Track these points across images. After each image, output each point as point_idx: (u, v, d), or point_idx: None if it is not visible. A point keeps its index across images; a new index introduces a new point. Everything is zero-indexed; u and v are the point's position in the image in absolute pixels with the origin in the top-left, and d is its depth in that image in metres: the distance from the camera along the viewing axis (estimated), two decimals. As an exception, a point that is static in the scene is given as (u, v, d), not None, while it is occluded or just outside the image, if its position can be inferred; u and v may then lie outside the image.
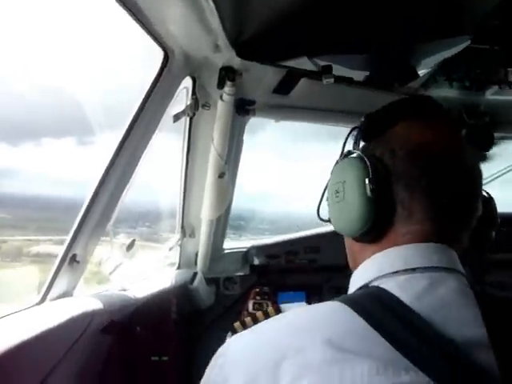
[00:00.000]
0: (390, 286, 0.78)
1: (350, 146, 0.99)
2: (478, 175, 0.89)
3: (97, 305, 1.64)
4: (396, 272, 0.79)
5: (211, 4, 1.21)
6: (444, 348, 0.69)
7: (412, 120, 0.90)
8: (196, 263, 2.47)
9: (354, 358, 0.67)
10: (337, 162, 0.97)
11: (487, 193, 1.01)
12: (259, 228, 3.88)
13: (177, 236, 2.36)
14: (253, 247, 2.70)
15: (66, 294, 1.64)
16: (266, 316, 0.95)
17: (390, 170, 0.84)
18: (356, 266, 0.90)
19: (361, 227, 0.85)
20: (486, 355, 0.69)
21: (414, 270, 0.79)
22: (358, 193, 0.85)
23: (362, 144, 0.97)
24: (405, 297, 0.74)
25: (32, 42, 1.55)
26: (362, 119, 0.97)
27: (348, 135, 1.02)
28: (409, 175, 0.83)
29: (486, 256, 1.03)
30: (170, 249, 2.36)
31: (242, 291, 2.71)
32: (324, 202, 1.03)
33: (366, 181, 0.83)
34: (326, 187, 1.00)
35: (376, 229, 0.85)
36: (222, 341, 2.49)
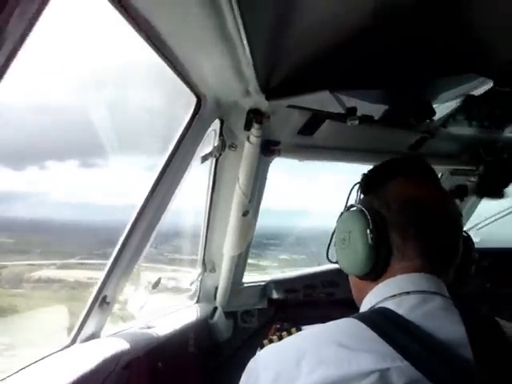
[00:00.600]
0: (390, 304, 0.95)
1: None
2: (459, 222, 1.06)
3: (123, 345, 1.66)
4: (394, 295, 0.96)
5: (248, 54, 1.25)
6: (433, 346, 0.85)
7: (404, 177, 1.07)
8: (215, 297, 2.48)
9: (359, 353, 0.84)
10: (341, 214, 1.13)
11: (466, 233, 1.13)
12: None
13: (198, 271, 2.37)
14: (271, 281, 2.71)
15: (95, 335, 1.65)
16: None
17: (386, 221, 1.01)
18: (360, 300, 1.07)
19: (364, 268, 1.02)
20: (466, 351, 0.85)
21: (407, 293, 0.95)
22: (361, 241, 1.01)
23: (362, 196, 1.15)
24: (401, 310, 0.91)
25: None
26: (362, 175, 1.16)
27: (351, 190, 1.20)
28: (401, 225, 1.00)
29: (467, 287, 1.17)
30: (191, 283, 2.37)
31: (260, 324, 2.71)
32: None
33: (368, 231, 1.00)
34: (333, 233, 1.17)
35: (376, 268, 1.01)
36: (240, 373, 2.50)
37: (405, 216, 1.00)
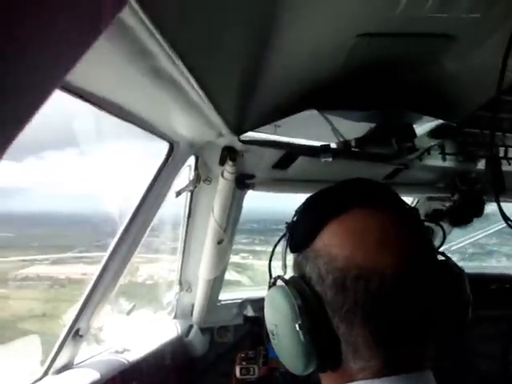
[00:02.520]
0: None
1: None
2: (433, 281, 0.75)
3: (96, 373, 1.70)
4: None
5: (212, 108, 1.28)
6: None
7: (339, 222, 0.76)
8: (192, 314, 2.53)
9: None
10: (268, 289, 0.85)
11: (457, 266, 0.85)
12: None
13: (175, 290, 2.42)
14: (246, 300, 2.75)
15: (68, 366, 1.69)
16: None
17: (323, 300, 0.74)
18: None
19: (304, 370, 0.77)
20: None
21: None
22: (291, 339, 0.75)
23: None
24: None
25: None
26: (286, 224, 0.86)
27: (274, 247, 0.92)
28: (341, 306, 0.72)
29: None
30: (167, 304, 2.42)
31: (236, 339, 2.77)
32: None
33: (297, 326, 0.73)
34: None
35: (323, 368, 0.77)
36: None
37: (344, 294, 0.72)
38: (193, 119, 1.40)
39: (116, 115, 1.24)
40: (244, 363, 2.28)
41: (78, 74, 0.98)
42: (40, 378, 1.61)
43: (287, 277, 0.82)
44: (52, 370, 1.63)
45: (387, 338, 0.72)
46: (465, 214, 2.48)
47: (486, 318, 2.93)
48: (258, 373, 2.30)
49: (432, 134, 1.89)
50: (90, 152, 1.73)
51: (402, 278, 0.71)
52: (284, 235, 0.86)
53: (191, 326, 2.48)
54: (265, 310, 0.84)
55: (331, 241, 0.75)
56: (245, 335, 2.77)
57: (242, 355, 2.30)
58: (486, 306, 2.93)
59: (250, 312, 2.74)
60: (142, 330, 2.32)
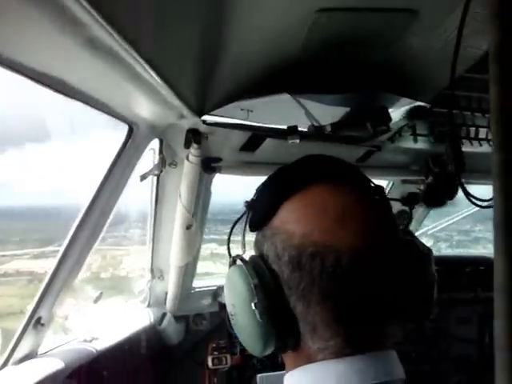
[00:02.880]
0: None
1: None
2: (393, 260, 0.73)
3: (60, 362, 1.66)
4: None
5: (169, 89, 1.24)
6: None
7: (298, 199, 0.74)
8: (165, 302, 2.50)
9: None
10: (229, 266, 0.83)
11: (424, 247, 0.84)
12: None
13: (146, 278, 2.38)
14: (221, 287, 2.72)
15: (30, 355, 1.65)
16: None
17: (280, 279, 0.72)
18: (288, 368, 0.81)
19: (263, 351, 0.75)
20: None
21: None
22: (247, 319, 0.73)
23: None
24: None
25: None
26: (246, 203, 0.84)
27: (233, 226, 0.89)
28: (297, 284, 0.70)
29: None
30: (139, 292, 2.39)
31: (212, 327, 2.74)
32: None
33: (252, 306, 0.71)
34: None
35: (283, 348, 0.75)
36: (193, 373, 2.53)
37: (299, 270, 0.70)
38: (151, 101, 1.36)
39: (71, 96, 1.20)
40: (216, 353, 2.26)
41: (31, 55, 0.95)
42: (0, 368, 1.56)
43: (247, 257, 0.80)
44: (12, 360, 1.59)
45: (346, 317, 0.70)
46: (439, 196, 2.46)
47: (461, 300, 2.94)
48: (230, 362, 2.27)
49: (403, 114, 1.86)
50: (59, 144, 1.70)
51: (359, 256, 0.69)
52: (243, 214, 0.84)
53: (164, 314, 2.45)
54: (224, 291, 0.82)
55: (289, 218, 0.73)
56: (221, 322, 2.74)
57: (214, 345, 2.27)
58: (461, 289, 2.94)
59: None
60: (113, 320, 2.28)
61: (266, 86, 1.44)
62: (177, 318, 2.56)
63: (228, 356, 2.25)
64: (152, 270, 2.36)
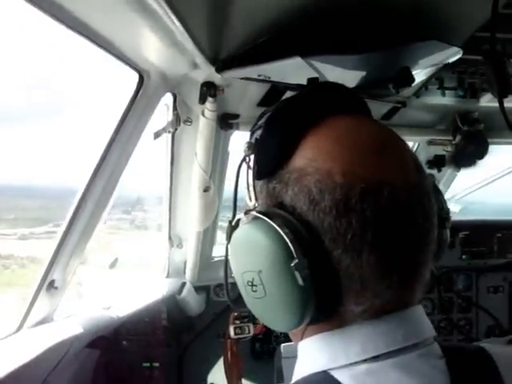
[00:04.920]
0: (347, 378, 0.61)
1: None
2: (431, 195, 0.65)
3: (78, 327, 1.62)
4: (354, 363, 0.61)
5: (181, 28, 1.15)
6: None
7: (319, 133, 0.64)
8: (185, 272, 2.43)
9: None
10: (230, 228, 0.71)
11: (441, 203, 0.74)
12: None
13: (164, 247, 2.32)
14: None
15: (45, 319, 1.60)
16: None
17: (317, 228, 0.59)
18: (298, 338, 0.71)
19: (298, 323, 0.62)
20: None
21: (376, 358, 0.61)
22: (284, 286, 0.60)
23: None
24: None
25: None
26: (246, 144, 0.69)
27: (238, 173, 0.72)
28: (343, 232, 0.58)
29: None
30: (158, 260, 2.32)
31: (234, 297, 2.67)
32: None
33: (293, 265, 0.58)
34: (227, 261, 0.74)
35: (318, 317, 0.62)
36: (213, 346, 2.48)
37: (349, 216, 0.58)
38: (162, 44, 1.27)
39: (78, 31, 1.11)
40: (238, 322, 2.18)
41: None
42: (14, 332, 1.51)
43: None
44: (27, 323, 1.53)
45: (399, 263, 0.61)
46: (468, 155, 2.35)
47: (491, 267, 2.83)
48: (252, 331, 2.19)
49: (430, 63, 1.75)
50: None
51: (412, 189, 0.61)
52: (245, 158, 0.70)
53: (184, 284, 2.38)
54: (234, 258, 0.69)
55: (317, 155, 0.62)
56: None
57: (235, 314, 2.20)
58: (492, 255, 2.84)
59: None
60: (130, 289, 2.23)
61: (281, 37, 1.35)
62: (197, 289, 2.49)
63: (250, 325, 2.17)
64: (170, 238, 2.29)
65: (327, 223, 0.58)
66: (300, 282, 0.58)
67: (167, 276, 2.44)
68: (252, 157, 0.69)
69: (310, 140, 0.63)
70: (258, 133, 0.68)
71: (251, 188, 0.68)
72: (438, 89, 2.00)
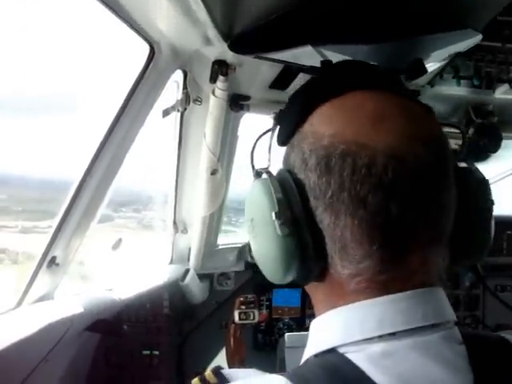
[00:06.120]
0: (361, 359, 0.58)
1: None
2: (440, 172, 0.63)
3: (78, 307, 1.58)
4: (368, 339, 0.59)
5: None
6: None
7: (331, 104, 0.65)
8: (189, 259, 2.40)
9: None
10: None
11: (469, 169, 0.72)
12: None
13: (169, 232, 2.28)
14: (248, 244, 2.61)
15: (46, 297, 1.57)
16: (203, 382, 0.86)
17: (305, 187, 0.63)
18: (317, 310, 0.71)
19: (284, 274, 0.66)
20: None
21: (393, 334, 0.59)
22: (266, 234, 0.65)
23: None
24: (382, 379, 0.56)
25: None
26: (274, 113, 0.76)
27: (257, 140, 0.82)
28: (324, 191, 0.60)
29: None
30: (162, 245, 2.29)
31: (237, 287, 2.66)
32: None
33: (273, 216, 0.62)
34: None
35: (307, 272, 0.65)
36: (214, 335, 2.45)
37: (327, 174, 0.60)
38: (176, 12, 1.22)
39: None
40: (243, 307, 2.14)
41: None
42: (13, 308, 1.48)
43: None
44: (27, 299, 1.50)
45: (380, 233, 0.59)
46: (481, 149, 2.30)
47: (500, 266, 2.79)
48: (257, 318, 2.16)
49: (446, 52, 1.71)
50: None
51: (397, 157, 0.59)
52: (271, 128, 0.76)
53: (187, 270, 2.35)
54: (245, 207, 0.73)
55: (319, 120, 0.65)
56: (246, 282, 2.65)
57: (241, 299, 2.16)
58: (500, 254, 2.79)
59: (251, 257, 2.60)
60: (134, 273, 2.20)
61: (300, 12, 1.31)
62: (201, 277, 2.46)
63: (256, 311, 2.14)
64: (175, 223, 2.26)
65: (312, 181, 0.62)
66: (278, 231, 0.62)
67: (171, 262, 2.41)
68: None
69: (319, 111, 0.65)
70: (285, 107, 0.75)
71: (268, 151, 0.76)
72: (454, 77, 1.96)
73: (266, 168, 0.73)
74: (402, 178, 0.59)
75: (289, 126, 0.69)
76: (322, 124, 0.64)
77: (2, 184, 2.04)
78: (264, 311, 2.61)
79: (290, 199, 0.63)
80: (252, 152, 0.81)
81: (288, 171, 0.66)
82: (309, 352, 0.66)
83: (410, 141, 0.60)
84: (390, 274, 0.61)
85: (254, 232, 0.69)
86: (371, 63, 0.76)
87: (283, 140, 0.71)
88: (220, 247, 2.55)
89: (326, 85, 0.69)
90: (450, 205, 0.64)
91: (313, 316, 0.70)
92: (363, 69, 0.73)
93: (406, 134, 0.61)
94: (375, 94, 0.64)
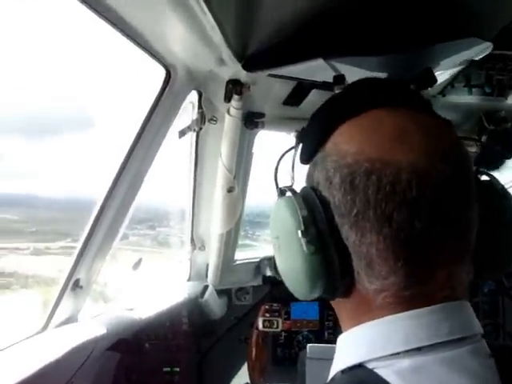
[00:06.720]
0: (391, 374, 0.58)
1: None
2: (464, 186, 0.63)
3: (102, 328, 1.60)
4: (395, 354, 0.59)
5: (211, 19, 1.13)
6: None
7: (352, 122, 0.66)
8: (207, 275, 2.41)
9: None
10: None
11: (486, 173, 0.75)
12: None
13: (187, 249, 2.30)
14: (265, 258, 2.63)
15: (70, 319, 1.59)
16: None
17: (331, 205, 0.64)
18: (343, 325, 0.71)
19: (310, 291, 0.66)
20: None
21: (419, 349, 0.59)
22: (293, 251, 0.66)
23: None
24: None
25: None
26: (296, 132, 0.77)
27: (280, 158, 0.83)
28: (350, 209, 0.61)
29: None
30: (180, 262, 2.30)
31: (255, 301, 2.66)
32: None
33: (299, 233, 0.63)
34: None
35: (333, 289, 0.66)
36: (235, 350, 2.45)
37: (352, 192, 0.61)
38: (191, 36, 1.25)
39: (108, 21, 1.10)
40: (267, 315, 2.15)
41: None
42: (39, 332, 1.50)
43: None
44: (52, 323, 1.52)
45: (406, 250, 0.60)
46: (495, 155, 2.30)
47: None
48: (281, 326, 2.16)
49: (457, 61, 1.72)
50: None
51: (421, 174, 0.59)
52: (294, 146, 0.78)
53: (206, 287, 2.36)
54: (270, 226, 0.75)
55: (341, 139, 0.66)
56: (265, 296, 2.66)
57: (266, 307, 2.17)
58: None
59: (269, 272, 2.61)
60: (153, 291, 2.21)
61: (311, 30, 1.33)
62: (219, 292, 2.47)
63: (279, 320, 2.14)
64: (192, 240, 2.27)
65: (337, 199, 0.63)
66: (305, 248, 0.63)
67: (189, 279, 2.43)
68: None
69: (341, 129, 0.66)
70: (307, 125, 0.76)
71: (292, 170, 0.78)
72: (465, 86, 1.96)
73: (290, 186, 0.74)
74: (425, 193, 0.59)
75: (311, 144, 0.70)
76: (344, 142, 0.64)
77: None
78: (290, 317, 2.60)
79: (316, 217, 0.64)
80: (276, 170, 0.82)
81: (312, 189, 0.67)
82: (336, 368, 0.66)
83: (432, 156, 0.61)
84: (415, 289, 0.61)
85: (280, 249, 0.70)
86: (388, 79, 0.81)
87: (306, 158, 0.72)
88: (237, 262, 2.56)
89: (345, 103, 0.71)
90: (473, 219, 0.64)
91: (331, 329, 0.72)
92: (380, 86, 0.74)
93: (427, 150, 0.61)
94: (393, 110, 0.65)
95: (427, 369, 0.57)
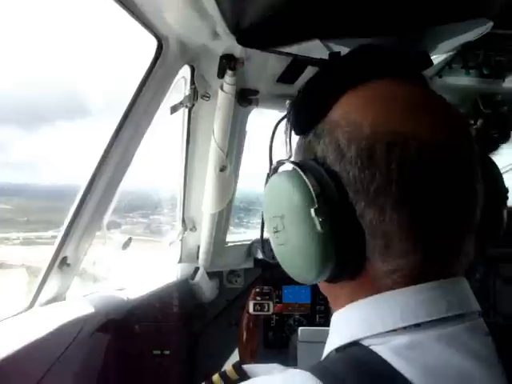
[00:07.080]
0: (386, 351, 0.56)
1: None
2: (475, 161, 0.61)
3: (90, 307, 1.57)
4: (392, 331, 0.57)
5: None
6: None
7: (358, 91, 0.62)
8: (198, 257, 2.38)
9: None
10: (266, 180, 0.70)
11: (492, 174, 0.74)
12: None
13: (177, 230, 2.26)
14: (257, 240, 2.60)
15: (58, 298, 1.55)
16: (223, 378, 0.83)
17: (342, 180, 0.59)
18: (336, 307, 0.67)
19: (319, 274, 0.61)
20: None
21: (417, 326, 0.57)
22: (303, 231, 0.60)
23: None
24: (409, 371, 0.53)
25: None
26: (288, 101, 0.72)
27: (274, 129, 0.77)
28: (367, 184, 0.57)
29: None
30: (171, 243, 2.27)
31: (246, 284, 2.64)
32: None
33: (312, 212, 0.58)
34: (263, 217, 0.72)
35: (342, 271, 0.61)
36: (225, 334, 2.43)
37: (372, 168, 0.56)
38: (185, 5, 1.21)
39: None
40: (258, 298, 2.12)
41: None
42: (25, 309, 1.46)
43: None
44: (39, 301, 1.49)
45: (427, 227, 0.57)
46: (491, 139, 2.28)
47: (510, 256, 2.76)
48: (272, 310, 2.14)
49: (455, 42, 1.68)
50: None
51: (443, 148, 0.57)
52: (286, 115, 0.73)
53: (197, 269, 2.33)
54: (265, 203, 0.68)
55: (352, 108, 0.61)
56: (256, 279, 2.64)
57: (257, 290, 2.14)
58: (510, 244, 2.76)
59: (260, 254, 2.59)
60: (143, 272, 2.18)
61: (308, 6, 1.29)
62: (210, 275, 2.45)
63: (271, 303, 2.11)
64: (183, 221, 2.24)
65: (352, 175, 0.58)
66: (318, 228, 0.58)
67: (180, 261, 2.40)
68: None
69: (346, 97, 0.62)
70: (301, 94, 0.70)
71: (289, 142, 0.71)
72: (462, 67, 1.93)
73: (290, 159, 0.69)
74: (446, 168, 0.57)
75: (309, 114, 0.65)
76: (357, 111, 0.60)
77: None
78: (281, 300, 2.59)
79: (328, 194, 0.58)
80: (271, 142, 0.77)
81: (315, 161, 0.62)
82: (330, 346, 0.64)
83: (450, 130, 0.59)
84: (429, 267, 0.59)
85: (284, 230, 0.63)
86: (392, 51, 0.72)
87: (303, 128, 0.67)
88: (229, 245, 2.53)
89: (351, 70, 0.66)
90: (480, 195, 0.62)
91: (323, 312, 0.68)
92: (388, 55, 0.70)
93: (446, 124, 0.59)
94: (403, 82, 0.63)
95: (424, 345, 0.55)
